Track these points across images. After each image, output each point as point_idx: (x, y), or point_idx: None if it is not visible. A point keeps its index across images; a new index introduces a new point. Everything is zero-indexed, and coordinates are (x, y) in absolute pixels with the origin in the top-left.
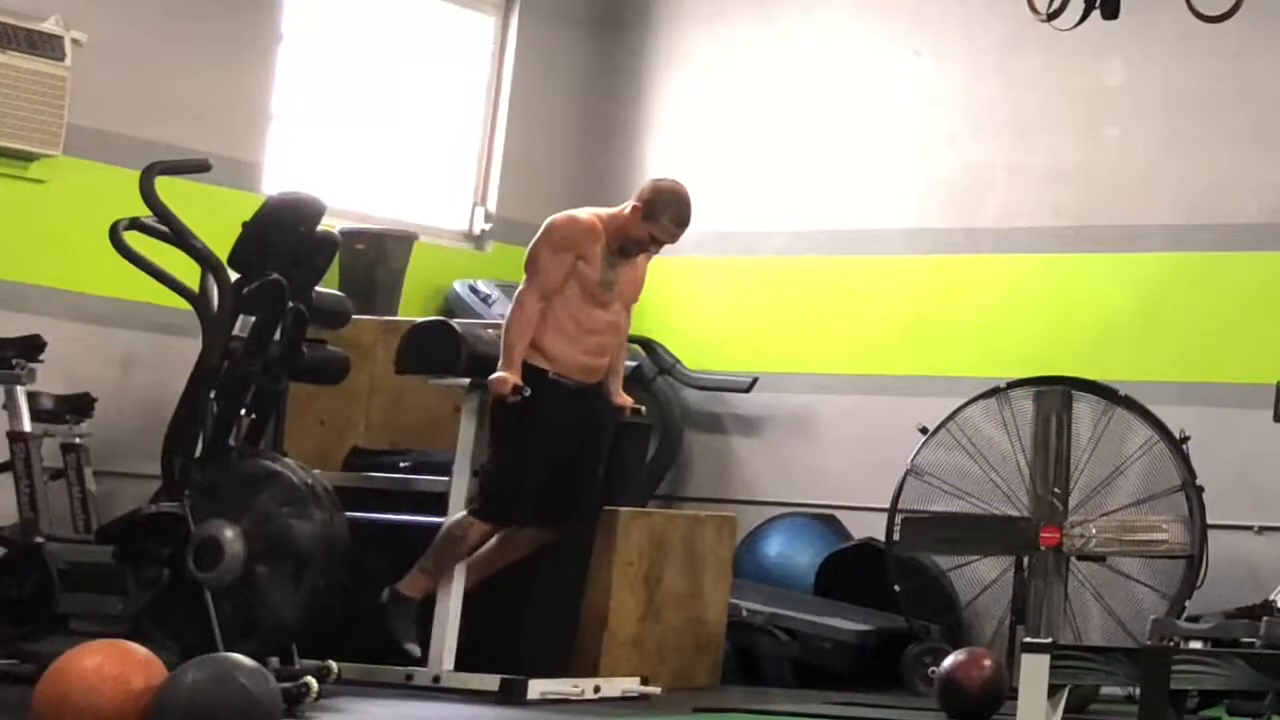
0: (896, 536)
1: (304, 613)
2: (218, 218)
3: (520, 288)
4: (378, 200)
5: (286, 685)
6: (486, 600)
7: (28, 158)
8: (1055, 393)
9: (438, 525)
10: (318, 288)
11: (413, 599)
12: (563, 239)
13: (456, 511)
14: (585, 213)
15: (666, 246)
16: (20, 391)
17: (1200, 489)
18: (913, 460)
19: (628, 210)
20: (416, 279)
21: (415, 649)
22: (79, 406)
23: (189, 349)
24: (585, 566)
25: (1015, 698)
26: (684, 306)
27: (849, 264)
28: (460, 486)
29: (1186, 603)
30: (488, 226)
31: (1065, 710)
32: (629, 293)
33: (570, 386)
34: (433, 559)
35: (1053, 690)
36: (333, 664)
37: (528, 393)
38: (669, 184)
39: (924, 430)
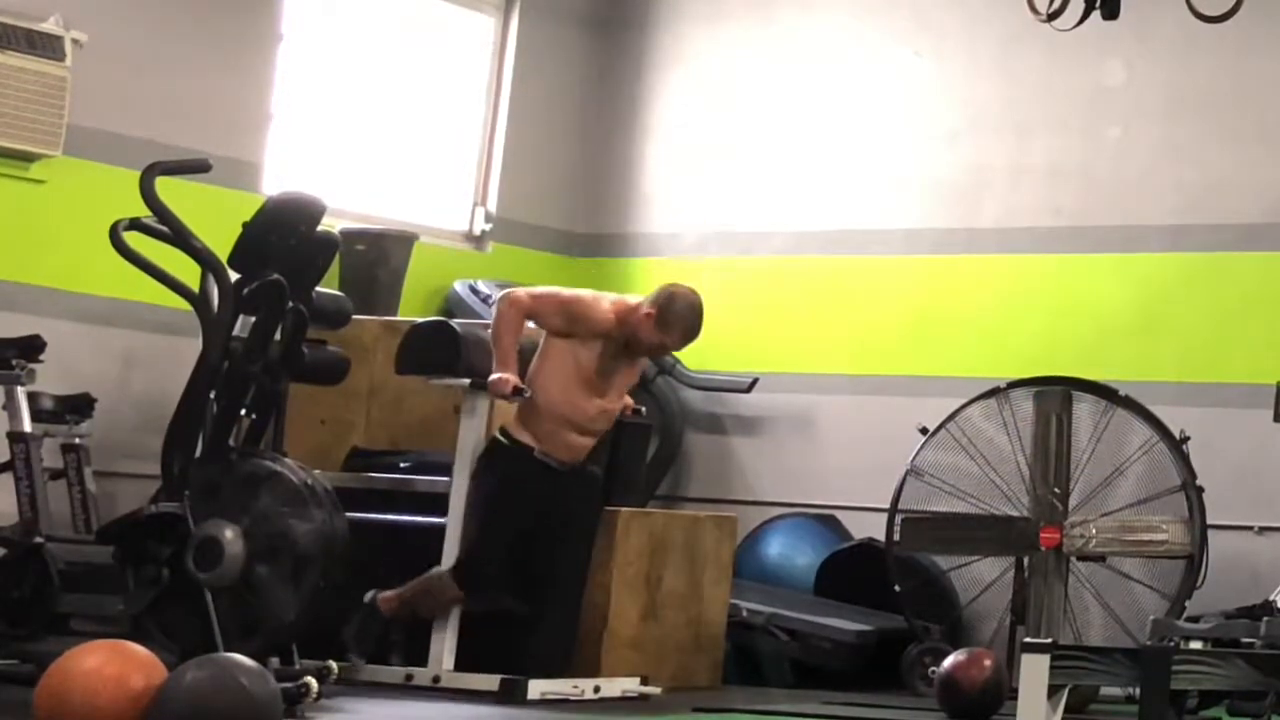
0: (896, 537)
1: (304, 613)
2: (218, 218)
3: (517, 290)
4: (378, 200)
5: (286, 685)
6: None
7: (28, 158)
8: (1055, 393)
9: (438, 526)
10: (318, 288)
11: (384, 617)
12: (574, 315)
13: (456, 511)
14: (606, 301)
15: (664, 242)
16: (20, 392)
17: (1200, 489)
18: (913, 460)
19: (641, 313)
20: (416, 279)
21: (360, 661)
22: (79, 407)
23: (189, 349)
24: (586, 568)
25: (1015, 698)
26: None
27: (849, 264)
28: (460, 487)
29: (1186, 603)
30: (488, 227)
31: (1065, 710)
32: (624, 387)
33: (553, 467)
34: (410, 593)
35: (1053, 690)
36: (333, 664)
37: (528, 394)
38: (684, 295)
39: (924, 430)
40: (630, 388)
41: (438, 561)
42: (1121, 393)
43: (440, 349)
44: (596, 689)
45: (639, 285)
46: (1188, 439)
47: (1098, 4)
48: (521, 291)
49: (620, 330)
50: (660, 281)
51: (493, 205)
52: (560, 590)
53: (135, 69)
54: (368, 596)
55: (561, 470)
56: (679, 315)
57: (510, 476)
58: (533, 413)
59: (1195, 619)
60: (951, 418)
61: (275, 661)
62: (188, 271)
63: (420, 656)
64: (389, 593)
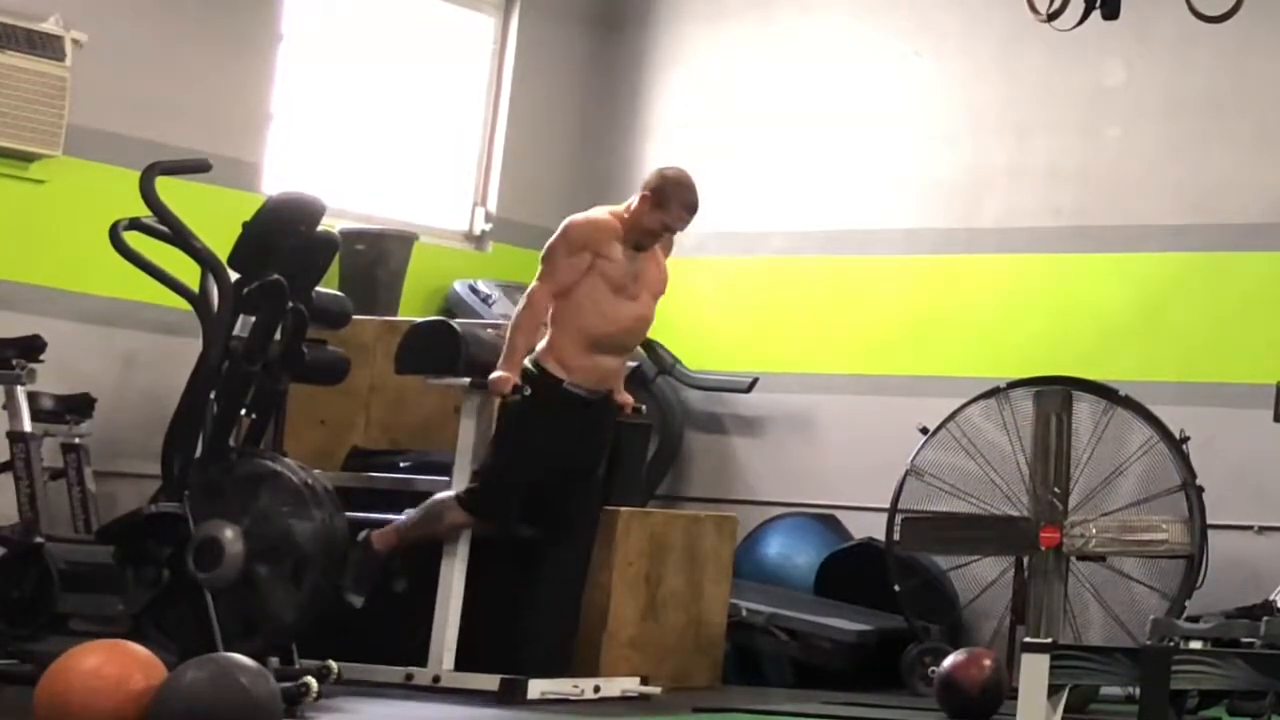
0: (896, 536)
1: (304, 613)
2: (218, 218)
3: (532, 285)
4: (378, 200)
5: (286, 685)
6: (486, 600)
7: (28, 158)
8: (1055, 393)
9: None
10: (318, 288)
11: (380, 553)
12: (579, 238)
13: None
14: (601, 211)
15: (669, 242)
16: (20, 392)
17: (1200, 489)
18: (913, 460)
19: (636, 202)
20: (416, 279)
21: (357, 600)
22: (79, 407)
23: (189, 349)
24: (586, 566)
25: (1015, 698)
26: (684, 306)
27: (849, 264)
28: (460, 487)
29: (1186, 603)
30: (488, 227)
31: (1065, 710)
32: (656, 284)
33: (583, 397)
34: (408, 525)
35: (1053, 690)
36: (333, 664)
37: (527, 392)
38: (674, 171)
39: (924, 430)
40: (659, 292)
41: (436, 561)
42: (1121, 393)
43: (440, 349)
44: (596, 689)
45: None
46: (1188, 439)
47: (1098, 4)
48: (533, 287)
49: (627, 229)
50: None
51: (493, 205)
52: (567, 544)
53: (135, 69)
54: (361, 535)
55: (589, 401)
56: (674, 190)
57: (536, 407)
58: (565, 335)
59: (1195, 619)
60: (951, 418)
61: (275, 661)
62: (188, 271)
63: (421, 655)
64: (382, 530)
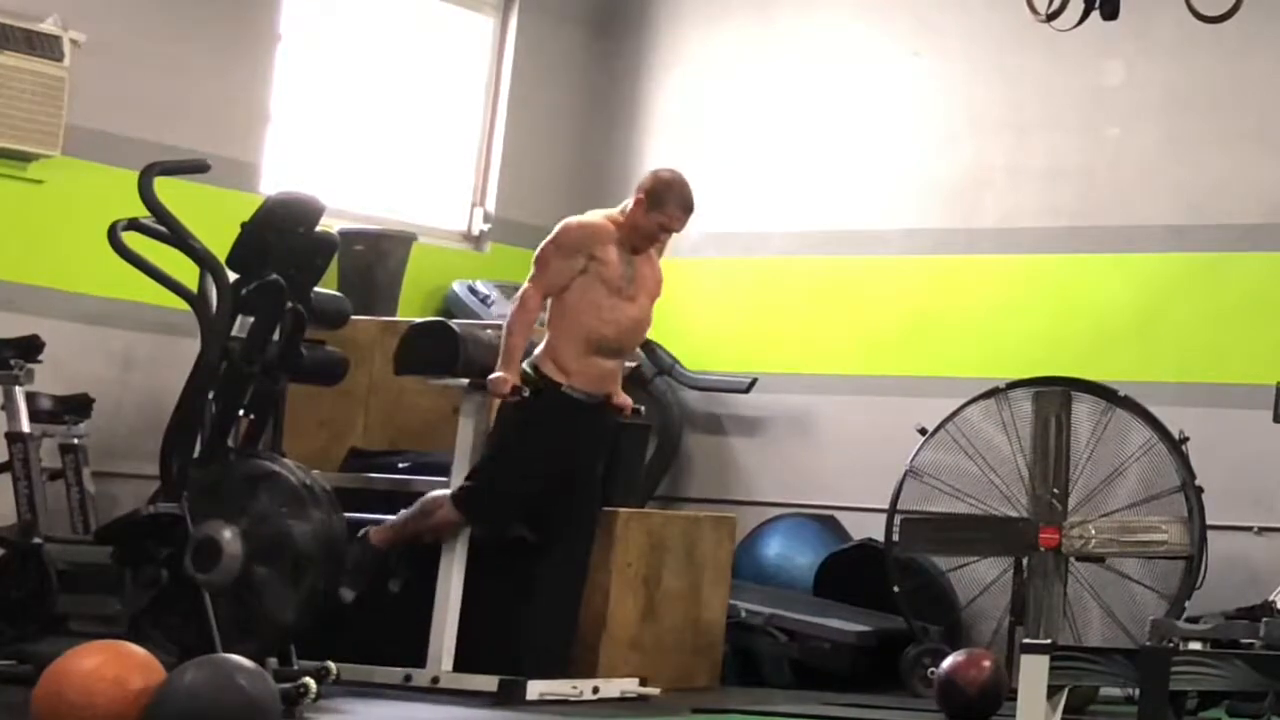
0: (896, 537)
1: (302, 613)
2: (216, 218)
3: (524, 286)
4: (377, 201)
5: (285, 686)
6: (485, 601)
7: (26, 158)
8: (1054, 393)
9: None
10: (316, 288)
11: (378, 549)
12: (572, 242)
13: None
14: (597, 215)
15: (668, 242)
16: (19, 392)
17: (1200, 489)
18: (912, 461)
19: (631, 205)
20: (415, 279)
21: (348, 595)
22: (77, 407)
23: (188, 349)
24: (584, 567)
25: (1014, 699)
26: (683, 307)
27: (849, 264)
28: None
29: (1186, 603)
30: (486, 227)
31: (1064, 711)
32: (652, 286)
33: (581, 401)
34: (402, 521)
35: (1052, 691)
36: (331, 665)
37: (526, 393)
38: (669, 172)
39: (923, 431)
40: (656, 295)
41: (436, 558)
42: (1121, 393)
43: (439, 349)
44: (595, 690)
45: None
46: (1187, 439)
47: (1097, 4)
48: (525, 288)
49: (624, 232)
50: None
51: (491, 205)
52: (566, 545)
53: (134, 69)
54: (360, 532)
55: (587, 404)
56: (669, 190)
57: (535, 410)
58: (563, 339)
59: (1195, 619)
60: (951, 418)
61: (273, 662)
62: (186, 272)
63: (419, 656)
64: (380, 526)
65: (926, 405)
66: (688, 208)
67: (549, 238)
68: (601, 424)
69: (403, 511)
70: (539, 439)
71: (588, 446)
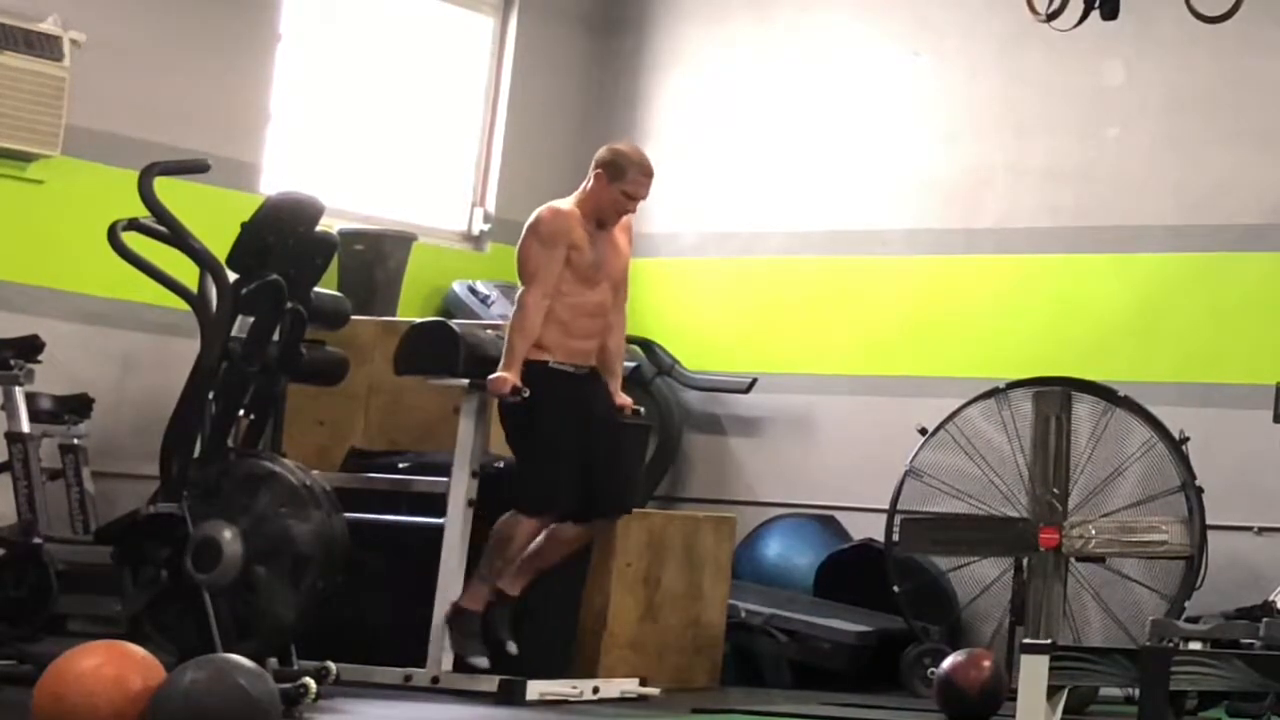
0: (896, 537)
1: (302, 613)
2: (216, 218)
3: (521, 291)
4: (376, 201)
5: (285, 686)
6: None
7: (26, 158)
8: (1054, 393)
9: (437, 526)
10: (316, 288)
11: (475, 611)
12: (553, 233)
13: (456, 511)
14: (564, 203)
15: (663, 242)
16: (19, 392)
17: (1200, 489)
18: (912, 461)
19: (591, 183)
20: (415, 280)
21: (483, 661)
22: (77, 407)
23: (188, 349)
24: (584, 567)
25: (1014, 699)
26: (683, 307)
27: (849, 264)
28: (459, 487)
29: (1186, 603)
30: (486, 227)
31: (1064, 711)
32: (616, 271)
33: (570, 372)
34: (487, 566)
35: (1052, 691)
36: (331, 665)
37: (526, 393)
38: (622, 143)
39: (923, 431)
40: (622, 276)
41: (435, 562)
42: (1121, 393)
43: (439, 349)
44: (595, 690)
45: (638, 286)
46: (1187, 439)
47: (1097, 4)
48: (523, 292)
49: (587, 212)
50: (659, 283)
51: (491, 205)
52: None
53: (134, 69)
54: (445, 614)
55: (575, 374)
56: (625, 158)
57: (532, 395)
58: (542, 326)
59: (1195, 620)
60: (951, 418)
61: (273, 662)
62: (186, 272)
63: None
64: (464, 593)
65: (926, 405)
66: (648, 172)
67: (527, 236)
68: (596, 389)
69: (480, 564)
70: (549, 414)
71: (595, 400)
